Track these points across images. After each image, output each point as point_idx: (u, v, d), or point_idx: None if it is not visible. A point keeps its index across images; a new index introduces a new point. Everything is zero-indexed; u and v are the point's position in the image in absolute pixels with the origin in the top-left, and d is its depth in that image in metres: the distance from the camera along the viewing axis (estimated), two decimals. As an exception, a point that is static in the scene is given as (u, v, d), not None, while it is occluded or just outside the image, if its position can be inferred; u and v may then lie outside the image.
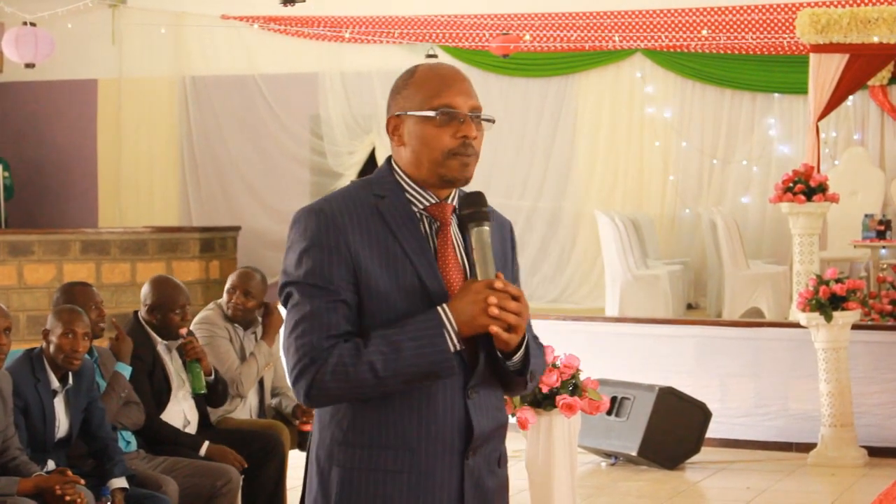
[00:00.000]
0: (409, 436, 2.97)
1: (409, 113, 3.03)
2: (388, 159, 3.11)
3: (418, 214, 3.04)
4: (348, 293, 2.93)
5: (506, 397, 3.25)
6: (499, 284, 2.92)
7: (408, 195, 3.04)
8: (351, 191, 3.05)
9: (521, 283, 3.23)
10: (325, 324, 2.91)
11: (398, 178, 3.06)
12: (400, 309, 2.95)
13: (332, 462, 3.00)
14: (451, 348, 2.91)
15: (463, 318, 2.91)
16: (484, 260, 2.98)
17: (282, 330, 3.07)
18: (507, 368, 3.02)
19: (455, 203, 3.08)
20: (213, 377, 6.82)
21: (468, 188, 3.13)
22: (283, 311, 3.10)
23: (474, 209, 3.01)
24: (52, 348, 5.91)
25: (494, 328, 2.90)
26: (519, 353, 3.02)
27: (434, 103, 3.02)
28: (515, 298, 2.93)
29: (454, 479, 3.02)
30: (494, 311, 2.89)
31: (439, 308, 2.93)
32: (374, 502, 2.97)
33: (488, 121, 3.06)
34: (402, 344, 2.89)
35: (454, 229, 3.08)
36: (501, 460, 3.16)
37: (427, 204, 3.04)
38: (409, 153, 3.04)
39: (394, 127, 3.07)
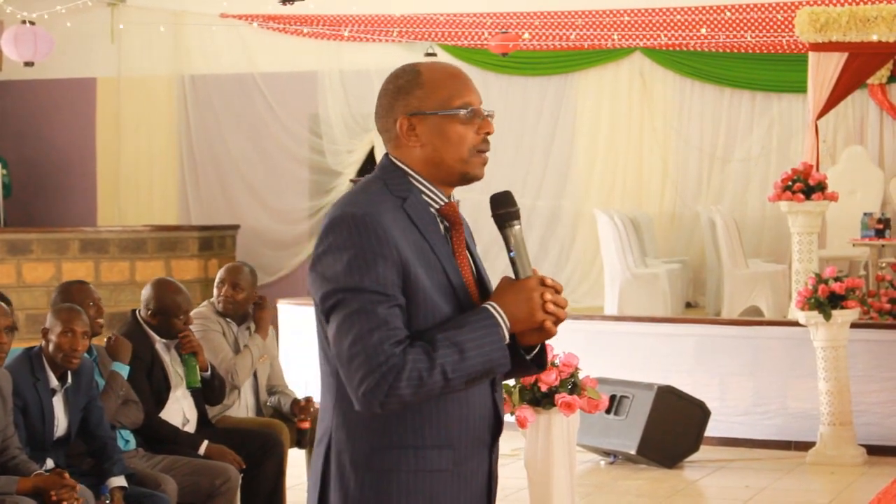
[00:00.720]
0: (451, 433, 2.99)
1: (430, 112, 3.03)
2: (390, 160, 3.08)
3: (435, 215, 3.06)
4: (401, 297, 2.92)
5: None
6: (549, 280, 3.01)
7: (424, 196, 3.05)
8: (374, 193, 3.01)
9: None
10: (391, 330, 2.87)
11: (412, 178, 3.05)
12: (439, 308, 2.96)
13: (369, 467, 2.97)
14: (505, 344, 2.95)
15: (519, 314, 2.96)
16: (522, 258, 3.05)
17: (325, 335, 2.97)
18: (526, 361, 3.07)
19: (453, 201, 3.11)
20: (209, 372, 6.82)
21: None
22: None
23: (509, 209, 3.07)
24: (51, 347, 5.91)
25: (549, 323, 2.97)
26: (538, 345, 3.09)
27: (457, 102, 3.03)
28: (558, 292, 3.02)
29: (484, 471, 3.09)
30: (551, 307, 2.97)
31: (489, 306, 2.96)
32: (420, 502, 2.98)
33: (491, 116, 3.11)
34: (465, 345, 2.89)
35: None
36: None
37: (441, 204, 3.07)
38: (427, 152, 3.04)
39: (409, 127, 3.04)
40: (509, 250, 3.06)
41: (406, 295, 2.93)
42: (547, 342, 3.12)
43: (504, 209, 3.07)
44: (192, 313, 7.19)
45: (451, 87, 3.05)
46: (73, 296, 6.42)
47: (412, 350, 2.86)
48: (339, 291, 2.89)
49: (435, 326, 2.93)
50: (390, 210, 2.96)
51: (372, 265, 2.88)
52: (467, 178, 3.07)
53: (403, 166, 3.05)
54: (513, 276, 3.05)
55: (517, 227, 3.07)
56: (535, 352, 3.08)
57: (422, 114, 3.03)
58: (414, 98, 3.04)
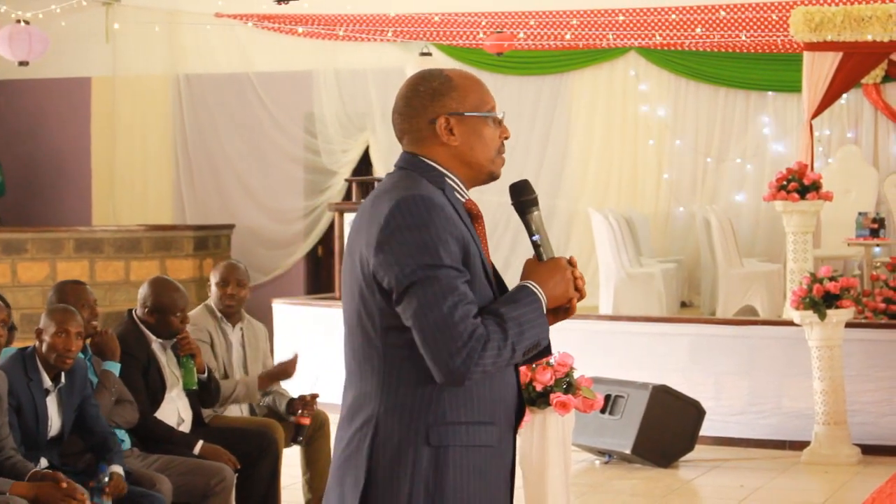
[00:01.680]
0: (495, 411, 3.17)
1: (470, 114, 3.24)
2: (418, 157, 3.24)
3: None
4: (468, 272, 3.09)
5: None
6: (574, 260, 3.25)
7: (455, 192, 3.24)
8: (421, 182, 3.17)
9: None
10: (471, 304, 3.04)
11: (446, 177, 3.24)
12: (484, 288, 3.14)
13: (425, 443, 3.08)
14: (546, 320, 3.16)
15: (556, 292, 3.18)
16: (545, 240, 3.27)
17: (412, 309, 3.03)
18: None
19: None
20: (206, 375, 6.83)
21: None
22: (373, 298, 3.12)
23: (529, 196, 3.31)
24: (44, 347, 5.90)
25: (575, 300, 3.23)
26: None
27: (488, 107, 3.28)
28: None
29: (510, 450, 3.26)
30: (580, 283, 3.22)
31: (529, 285, 3.17)
32: (472, 477, 3.12)
33: None
34: (523, 319, 3.08)
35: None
36: None
37: (465, 199, 3.26)
38: (462, 151, 3.25)
39: (447, 125, 3.22)
40: (532, 234, 3.27)
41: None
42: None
43: (525, 196, 3.30)
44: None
45: (480, 92, 3.29)
46: (68, 296, 6.41)
47: (489, 324, 3.04)
48: (418, 269, 3.03)
49: (486, 305, 3.10)
50: (441, 196, 3.15)
51: (447, 243, 3.05)
52: (493, 177, 3.31)
53: (433, 163, 3.23)
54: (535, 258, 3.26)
55: (537, 213, 3.29)
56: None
57: (460, 114, 3.23)
58: (451, 100, 3.24)
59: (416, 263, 3.02)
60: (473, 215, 3.25)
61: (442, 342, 3.00)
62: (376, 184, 4.56)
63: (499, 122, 3.29)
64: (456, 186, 3.23)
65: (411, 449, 3.08)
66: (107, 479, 5.87)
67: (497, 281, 3.24)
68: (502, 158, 3.30)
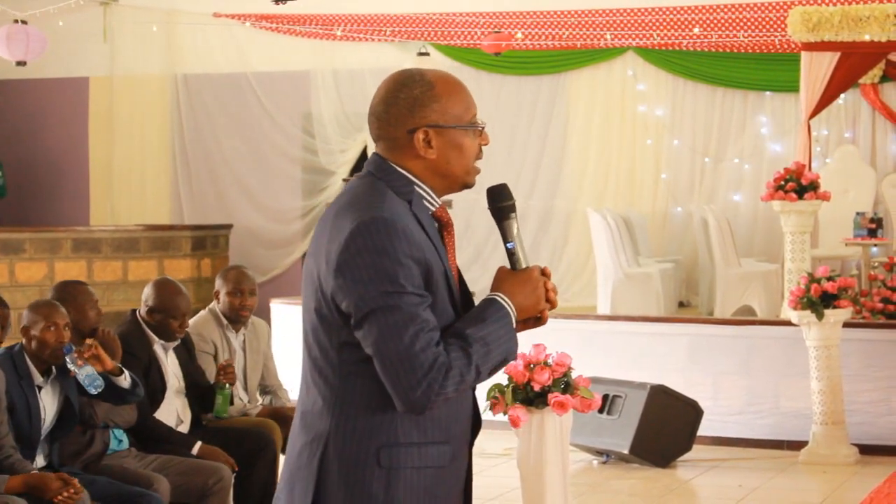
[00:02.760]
0: (449, 430, 3.09)
1: (451, 126, 3.13)
2: (388, 163, 3.14)
3: (431, 217, 3.15)
4: (429, 296, 3.01)
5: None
6: (547, 270, 3.16)
7: (424, 201, 3.13)
8: (386, 196, 3.07)
9: None
10: (432, 331, 2.96)
11: (415, 186, 3.13)
12: (446, 305, 3.06)
13: (378, 464, 3.02)
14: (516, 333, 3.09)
15: (526, 304, 3.10)
16: (521, 248, 3.16)
17: (372, 338, 2.97)
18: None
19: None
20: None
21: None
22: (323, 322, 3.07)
23: (508, 201, 3.19)
24: (34, 344, 5.90)
25: (546, 312, 3.13)
26: None
27: (469, 116, 3.17)
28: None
29: (464, 467, 3.18)
30: (552, 295, 3.13)
31: (498, 298, 3.08)
32: (423, 498, 3.05)
33: None
34: (489, 338, 3.01)
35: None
36: None
37: (436, 207, 3.16)
38: (437, 163, 3.13)
39: (425, 137, 3.11)
40: (506, 241, 3.16)
41: (429, 292, 3.03)
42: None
43: (503, 202, 3.18)
44: (190, 322, 7.20)
45: (463, 100, 3.16)
46: (71, 296, 6.41)
47: (451, 349, 2.97)
48: (380, 295, 2.95)
49: (445, 323, 3.03)
50: (405, 212, 3.05)
51: (408, 268, 2.96)
52: (467, 187, 3.20)
53: (404, 171, 3.12)
54: (508, 265, 3.16)
55: (514, 220, 3.18)
56: None
57: (440, 127, 3.11)
58: (432, 111, 3.12)
59: (376, 290, 2.94)
60: (443, 223, 3.16)
61: (402, 373, 2.93)
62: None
63: (479, 133, 3.19)
64: (426, 195, 3.13)
65: (361, 470, 3.02)
66: (74, 353, 5.84)
67: (462, 288, 3.17)
68: (478, 168, 3.20)
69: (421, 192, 3.12)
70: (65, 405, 6.01)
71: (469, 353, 2.96)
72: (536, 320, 3.15)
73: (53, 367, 5.97)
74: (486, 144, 3.21)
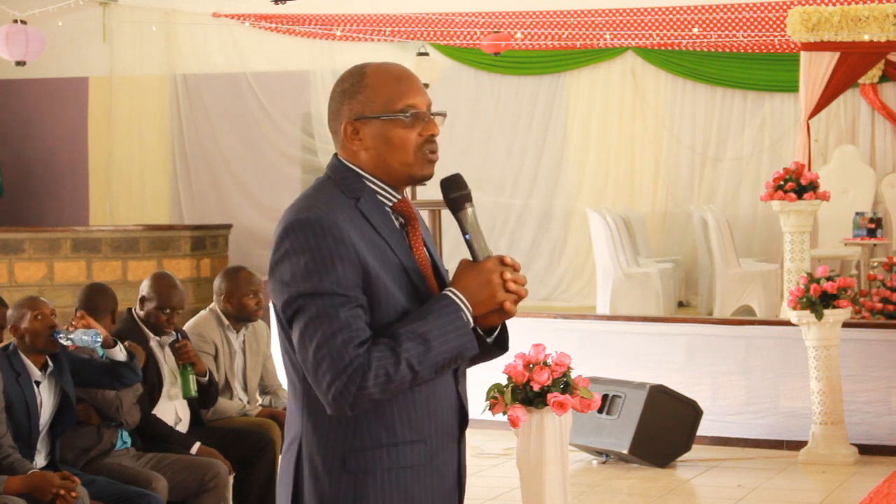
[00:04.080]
0: (423, 428, 3.01)
1: (373, 117, 3.03)
2: (340, 161, 3.09)
3: (389, 212, 3.06)
4: (362, 297, 2.92)
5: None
6: (508, 259, 3.01)
7: (378, 195, 3.05)
8: (327, 195, 3.02)
9: None
10: (354, 334, 2.88)
11: (366, 180, 3.06)
12: (399, 303, 2.97)
13: (345, 469, 2.97)
14: (470, 328, 2.96)
15: (480, 297, 2.97)
16: (480, 238, 3.04)
17: (289, 341, 2.99)
18: (487, 344, 3.08)
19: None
20: (206, 378, 6.83)
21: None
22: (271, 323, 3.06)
23: (461, 192, 3.04)
24: (27, 338, 5.91)
25: (509, 304, 2.98)
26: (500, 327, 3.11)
27: (399, 105, 3.03)
28: (516, 270, 3.03)
29: (454, 464, 3.10)
30: (512, 286, 2.98)
31: (449, 292, 2.97)
32: (395, 501, 2.99)
33: (442, 115, 3.11)
34: (428, 335, 2.90)
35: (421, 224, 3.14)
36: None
37: (395, 201, 3.07)
38: (373, 156, 3.04)
39: (353, 131, 3.04)
40: (464, 233, 3.04)
41: (368, 293, 2.94)
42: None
43: (455, 192, 3.04)
44: (190, 324, 7.21)
45: (393, 89, 3.05)
46: (98, 297, 6.52)
47: (376, 348, 2.88)
48: (299, 297, 2.91)
49: (397, 320, 2.94)
50: (345, 210, 2.97)
51: (330, 267, 2.90)
52: (415, 180, 3.07)
53: (354, 167, 3.06)
54: (470, 258, 3.05)
55: (470, 210, 3.04)
56: (495, 333, 3.10)
57: (365, 118, 3.03)
58: (357, 102, 3.05)
59: (297, 292, 2.90)
60: (405, 217, 3.08)
61: (320, 374, 2.87)
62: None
63: (417, 121, 3.03)
64: (379, 190, 3.04)
65: (329, 474, 2.97)
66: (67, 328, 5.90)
67: (440, 281, 3.10)
68: (426, 158, 3.04)
69: (374, 187, 3.04)
70: (62, 400, 6.02)
71: (397, 352, 2.86)
72: (502, 312, 3.01)
73: (50, 361, 5.98)
74: (431, 134, 3.04)
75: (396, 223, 3.07)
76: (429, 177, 3.08)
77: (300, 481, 3.02)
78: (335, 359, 2.86)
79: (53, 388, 6.01)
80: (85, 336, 5.81)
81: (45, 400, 5.97)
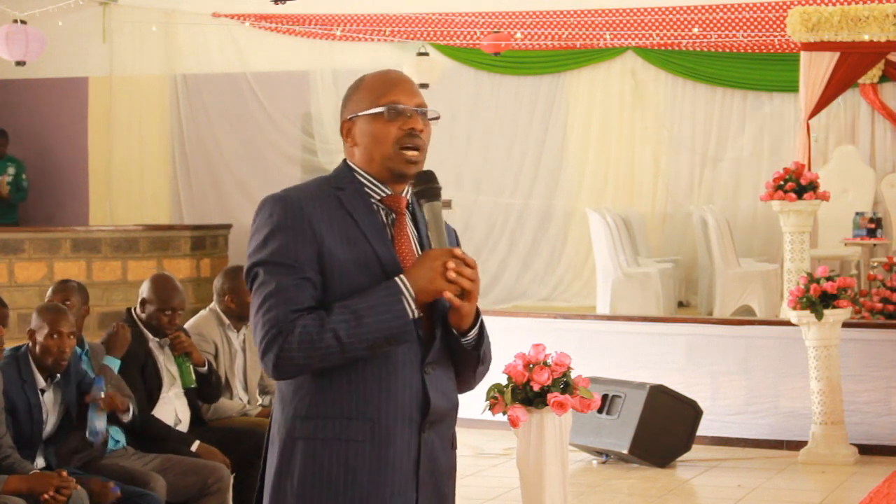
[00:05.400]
0: (371, 406, 3.12)
1: (360, 114, 3.23)
2: (344, 161, 3.30)
3: (375, 206, 3.22)
4: (312, 272, 3.10)
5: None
6: (459, 252, 3.13)
7: (366, 188, 3.23)
8: (311, 184, 3.25)
9: None
10: (291, 299, 3.06)
11: (355, 174, 3.24)
12: (362, 287, 3.11)
13: (293, 436, 3.13)
14: (410, 314, 3.09)
15: (421, 283, 3.10)
16: (438, 232, 3.17)
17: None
18: (461, 345, 3.20)
19: (408, 196, 3.26)
20: (205, 368, 6.83)
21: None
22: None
23: (426, 185, 3.20)
24: (38, 349, 5.90)
25: (448, 293, 3.10)
26: (474, 330, 3.21)
27: (381, 101, 3.22)
28: (470, 266, 3.13)
29: (412, 450, 3.17)
30: (452, 274, 3.09)
31: (397, 278, 3.11)
32: (337, 471, 3.11)
33: (433, 118, 3.27)
34: (362, 311, 3.05)
35: (409, 221, 3.27)
36: (453, 442, 3.32)
37: (383, 195, 3.23)
38: (361, 151, 3.24)
39: (347, 130, 3.27)
40: (426, 227, 3.20)
41: (323, 269, 3.11)
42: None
43: (422, 185, 3.20)
44: (190, 324, 7.21)
45: (380, 89, 3.24)
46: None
47: (307, 316, 3.05)
48: (253, 266, 3.13)
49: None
50: (322, 199, 3.17)
51: (281, 239, 3.11)
52: (395, 173, 3.22)
53: (350, 164, 3.26)
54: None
55: (438, 203, 3.18)
56: (471, 339, 3.20)
57: (355, 116, 3.25)
58: (352, 103, 3.28)
59: (252, 261, 3.14)
60: (393, 211, 3.23)
61: (258, 336, 3.09)
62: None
63: (398, 116, 3.21)
64: (369, 184, 3.22)
65: (281, 439, 3.15)
66: (102, 393, 5.89)
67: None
68: (404, 154, 3.20)
69: (363, 181, 3.23)
70: (66, 414, 6.02)
71: (325, 321, 3.03)
72: (455, 311, 3.14)
73: (57, 373, 5.98)
74: (411, 128, 3.20)
75: (384, 217, 3.22)
76: (407, 172, 3.22)
77: (269, 444, 3.22)
78: (268, 319, 3.06)
79: (58, 399, 6.00)
80: (94, 426, 5.86)
81: (49, 408, 5.96)
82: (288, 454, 3.14)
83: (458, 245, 3.33)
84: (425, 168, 3.26)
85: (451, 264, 3.09)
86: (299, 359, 3.04)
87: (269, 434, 3.23)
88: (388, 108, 3.19)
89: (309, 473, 3.11)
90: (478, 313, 3.22)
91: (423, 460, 3.18)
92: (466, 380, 3.30)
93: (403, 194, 3.26)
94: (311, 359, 3.04)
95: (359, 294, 3.08)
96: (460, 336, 3.19)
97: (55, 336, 5.87)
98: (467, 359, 3.23)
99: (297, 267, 3.09)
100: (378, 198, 3.22)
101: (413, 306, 3.09)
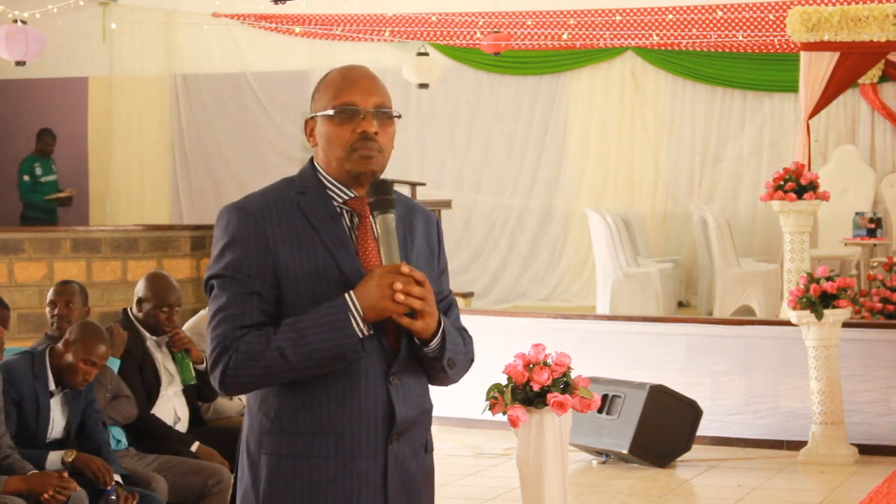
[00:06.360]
0: (334, 422, 3.07)
1: (318, 114, 3.17)
2: (310, 160, 3.23)
3: (338, 209, 3.14)
4: (265, 286, 3.04)
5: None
6: (405, 269, 3.01)
7: (328, 191, 3.15)
8: (274, 189, 3.16)
9: (448, 276, 3.36)
10: (239, 314, 3.02)
11: (319, 175, 3.17)
12: (320, 298, 3.05)
13: (260, 450, 3.11)
14: (358, 332, 3.01)
15: (368, 302, 3.01)
16: (388, 246, 3.07)
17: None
18: (424, 354, 3.13)
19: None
20: (204, 365, 6.83)
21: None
22: None
23: (379, 197, 3.10)
24: (63, 362, 5.90)
25: (396, 315, 3.01)
26: (436, 340, 3.11)
27: (334, 103, 3.14)
28: (419, 283, 3.03)
29: (379, 463, 3.11)
30: (400, 296, 3.00)
31: (346, 295, 3.03)
32: (300, 488, 3.07)
33: (394, 116, 3.19)
34: (308, 329, 2.99)
35: (374, 224, 3.16)
36: (427, 446, 3.26)
37: (346, 198, 3.15)
38: (321, 152, 3.17)
39: (310, 130, 3.19)
40: (376, 237, 3.11)
41: (279, 281, 3.05)
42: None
43: (375, 197, 3.11)
44: (189, 324, 7.21)
45: (336, 88, 3.18)
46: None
47: (254, 333, 3.01)
48: (210, 278, 3.09)
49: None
50: (279, 204, 3.10)
51: (237, 254, 3.05)
52: (352, 176, 3.14)
53: (316, 165, 3.19)
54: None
55: (390, 216, 3.08)
56: (433, 348, 3.11)
57: (315, 116, 3.18)
58: (314, 102, 3.21)
59: (208, 273, 3.10)
60: (358, 214, 3.14)
61: (209, 351, 3.05)
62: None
63: (351, 118, 3.12)
64: (331, 186, 3.14)
65: (247, 453, 3.16)
66: (113, 496, 5.88)
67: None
68: (358, 155, 3.11)
69: (326, 182, 3.15)
70: (69, 429, 6.03)
71: (270, 338, 2.98)
72: (438, 354, 3.09)
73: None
74: (363, 131, 3.10)
75: (348, 220, 3.14)
76: (364, 174, 3.13)
77: (239, 455, 3.22)
78: (216, 335, 3.03)
79: (66, 409, 6.00)
80: None
81: (56, 415, 5.97)
82: (255, 468, 3.12)
83: (438, 237, 3.29)
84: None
85: (398, 284, 2.99)
86: (244, 376, 3.00)
87: (239, 441, 3.22)
88: (339, 110, 3.12)
89: (273, 490, 3.08)
90: (440, 322, 3.11)
91: (392, 472, 3.12)
92: (441, 381, 3.23)
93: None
94: (255, 376, 3.01)
95: (311, 310, 3.01)
96: (422, 346, 3.11)
97: (88, 364, 5.90)
98: (434, 366, 3.16)
99: (249, 281, 3.03)
100: (341, 200, 3.14)
101: (361, 325, 3.01)
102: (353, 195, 3.14)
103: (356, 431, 3.07)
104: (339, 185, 3.14)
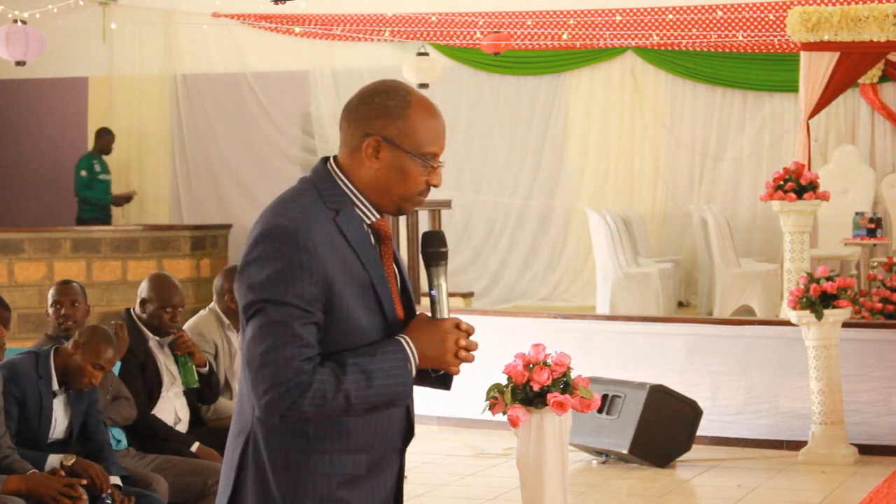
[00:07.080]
0: (367, 440, 3.08)
1: (405, 150, 3.08)
2: (328, 165, 3.15)
3: (367, 229, 3.12)
4: (320, 314, 2.99)
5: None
6: (464, 325, 3.08)
7: (357, 209, 3.11)
8: (307, 205, 3.06)
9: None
10: (304, 347, 2.94)
11: (348, 190, 3.11)
12: (360, 323, 3.04)
13: (286, 468, 3.03)
14: (410, 380, 3.05)
15: (430, 353, 3.04)
16: (443, 298, 3.12)
17: (245, 341, 3.03)
18: (431, 377, 3.16)
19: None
20: (207, 368, 6.84)
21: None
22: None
23: (438, 249, 3.14)
24: (72, 363, 5.90)
25: (455, 368, 3.07)
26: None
27: (427, 150, 3.11)
28: (469, 335, 3.09)
29: (393, 474, 3.17)
30: (463, 353, 3.06)
31: (403, 340, 3.04)
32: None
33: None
34: (373, 374, 2.98)
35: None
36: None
37: (374, 220, 3.13)
38: (378, 177, 3.10)
39: (374, 147, 3.09)
40: (430, 288, 3.13)
41: (328, 309, 2.99)
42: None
43: (433, 248, 3.14)
44: (190, 323, 7.21)
45: (430, 133, 3.12)
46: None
47: (321, 370, 2.95)
48: (260, 301, 2.97)
49: (354, 337, 3.02)
50: (322, 223, 3.03)
51: (297, 280, 2.96)
52: (399, 212, 3.16)
53: (344, 178, 3.12)
54: (430, 313, 3.12)
55: (443, 268, 3.14)
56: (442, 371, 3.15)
57: (395, 145, 3.08)
58: (394, 126, 3.08)
59: (260, 296, 2.96)
60: (380, 235, 3.14)
61: (260, 378, 2.94)
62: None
63: (431, 169, 3.12)
64: (362, 206, 3.11)
65: (273, 473, 3.04)
66: (109, 502, 5.88)
67: (406, 301, 3.18)
68: (419, 200, 3.14)
69: (357, 201, 3.10)
70: (71, 429, 6.03)
71: (340, 379, 2.94)
72: (443, 379, 3.15)
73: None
74: (435, 185, 3.13)
75: (372, 240, 3.12)
76: (406, 213, 3.19)
77: (243, 474, 3.08)
78: (279, 367, 2.92)
79: (68, 410, 6.00)
80: None
81: (59, 415, 5.96)
82: (283, 486, 3.04)
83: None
84: None
85: (463, 342, 3.06)
86: (308, 413, 2.95)
87: (243, 458, 3.10)
88: (428, 158, 3.11)
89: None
90: None
91: (400, 480, 3.20)
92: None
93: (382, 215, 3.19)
94: (318, 415, 2.97)
95: (364, 349, 3.00)
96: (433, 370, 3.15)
97: (96, 367, 5.90)
98: (432, 383, 3.20)
99: (310, 311, 2.96)
100: (369, 221, 3.12)
101: (414, 371, 3.04)
102: (378, 217, 3.13)
103: (383, 447, 3.11)
104: (370, 207, 3.11)
